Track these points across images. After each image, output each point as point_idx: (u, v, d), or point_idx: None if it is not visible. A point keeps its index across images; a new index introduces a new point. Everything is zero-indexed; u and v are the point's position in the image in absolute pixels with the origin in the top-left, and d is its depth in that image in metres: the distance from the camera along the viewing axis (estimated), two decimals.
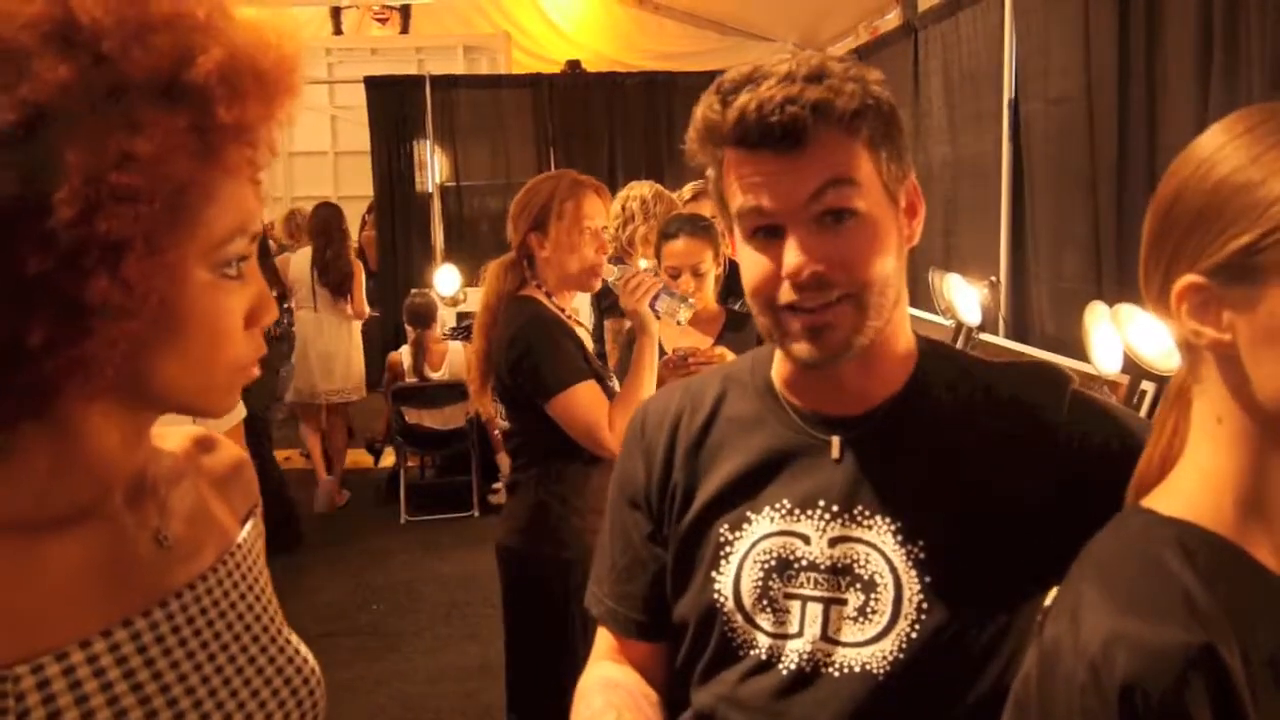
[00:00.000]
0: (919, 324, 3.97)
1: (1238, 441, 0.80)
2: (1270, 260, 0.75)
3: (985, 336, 3.64)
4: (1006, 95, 3.82)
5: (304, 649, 0.92)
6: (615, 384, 2.45)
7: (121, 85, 0.66)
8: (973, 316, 3.63)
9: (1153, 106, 3.09)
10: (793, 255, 0.98)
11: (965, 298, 3.65)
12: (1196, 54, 2.85)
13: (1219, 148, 0.78)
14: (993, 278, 3.80)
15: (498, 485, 5.68)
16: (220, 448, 0.97)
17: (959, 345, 3.65)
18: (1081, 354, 2.82)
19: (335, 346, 5.78)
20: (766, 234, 1.00)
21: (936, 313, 3.94)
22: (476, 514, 5.56)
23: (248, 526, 0.95)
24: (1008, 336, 3.73)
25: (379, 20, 8.53)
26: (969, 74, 4.18)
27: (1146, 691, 0.71)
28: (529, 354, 2.27)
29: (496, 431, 5.41)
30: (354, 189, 7.77)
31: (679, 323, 2.40)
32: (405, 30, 8.58)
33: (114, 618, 0.76)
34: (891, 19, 5.44)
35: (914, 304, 4.23)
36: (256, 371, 0.80)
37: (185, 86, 0.68)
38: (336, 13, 8.35)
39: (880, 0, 5.40)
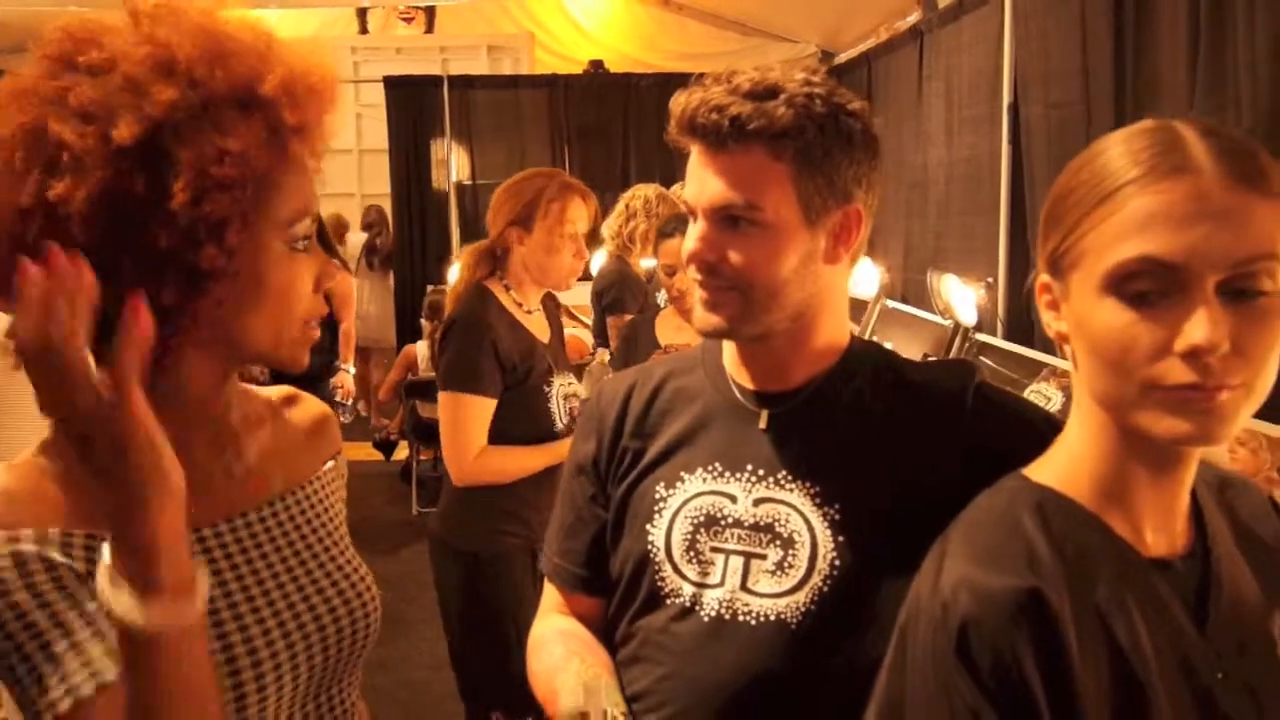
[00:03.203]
0: (919, 324, 4.02)
1: (1087, 423, 0.88)
2: (1068, 262, 0.84)
3: (982, 337, 3.68)
4: (1006, 99, 3.86)
5: (367, 574, 1.12)
6: (580, 389, 2.48)
7: (211, 101, 0.85)
8: (969, 317, 3.67)
9: (1146, 111, 3.12)
10: (689, 242, 1.12)
11: (962, 298, 3.69)
12: (1187, 60, 2.88)
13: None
14: (989, 279, 3.84)
15: None
16: (305, 402, 1.19)
17: (955, 345, 3.69)
18: None
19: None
20: (693, 217, 1.14)
21: (935, 313, 3.98)
22: None
23: (327, 466, 1.16)
24: (1005, 337, 3.76)
25: (404, 20, 8.63)
26: (971, 77, 4.22)
27: (980, 628, 0.80)
28: (449, 342, 2.34)
29: None
30: (377, 187, 7.87)
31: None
32: (430, 30, 8.66)
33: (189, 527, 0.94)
34: (913, 20, 5.46)
35: (915, 304, 4.28)
36: (316, 331, 1.00)
37: (258, 99, 0.88)
38: (362, 13, 8.46)
39: (901, 2, 5.41)
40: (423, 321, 6.02)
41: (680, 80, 1.14)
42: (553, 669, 1.19)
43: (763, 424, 1.17)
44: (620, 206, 4.13)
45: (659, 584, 1.17)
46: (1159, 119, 0.83)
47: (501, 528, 2.33)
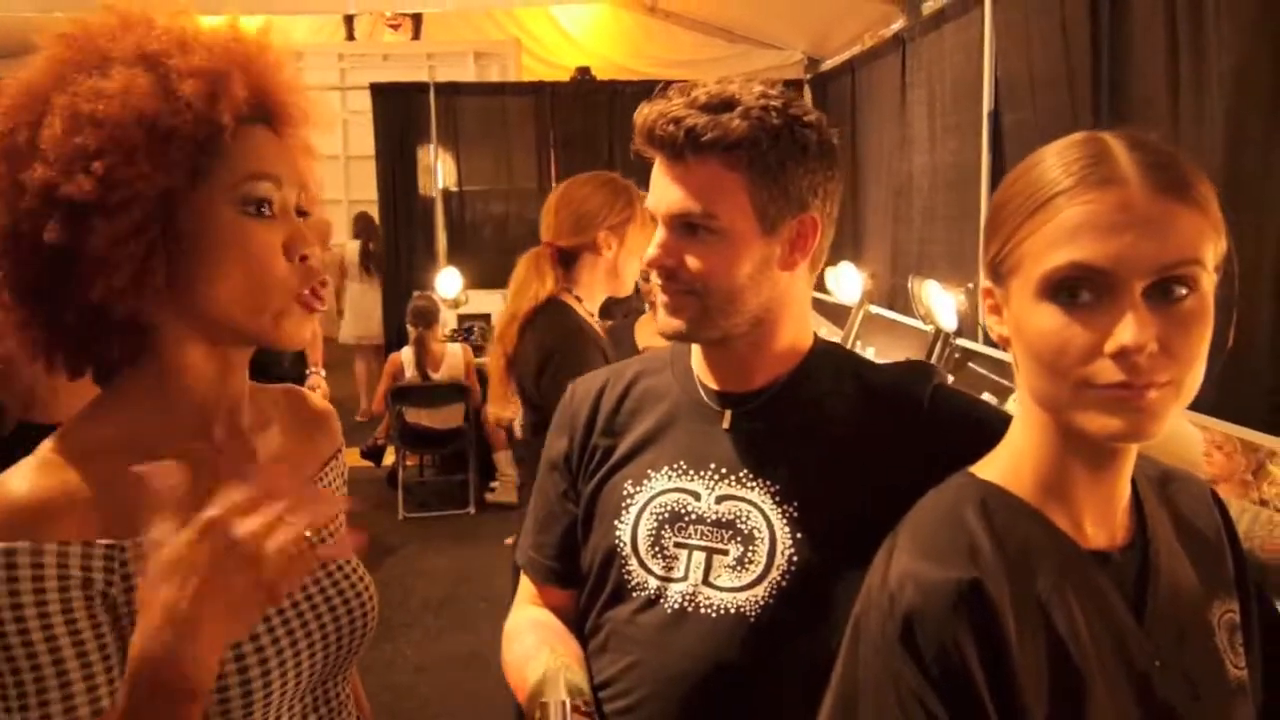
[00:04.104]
0: (902, 329, 4.06)
1: (1028, 421, 0.92)
2: (1006, 269, 0.88)
3: (963, 342, 3.71)
4: (986, 106, 3.90)
5: (365, 574, 1.14)
6: None
7: (108, 59, 0.89)
8: (950, 322, 3.71)
9: (1125, 119, 3.16)
10: (651, 248, 1.16)
11: (943, 304, 3.73)
12: (1165, 68, 2.93)
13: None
14: (969, 284, 3.87)
15: (495, 484, 5.82)
16: (308, 400, 1.20)
17: (936, 350, 3.72)
18: None
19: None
20: (655, 224, 1.18)
21: (917, 318, 4.01)
22: (473, 511, 5.68)
23: (328, 467, 1.19)
24: (985, 342, 3.80)
25: (391, 26, 8.67)
26: (953, 85, 4.27)
27: (923, 618, 0.84)
28: (559, 364, 2.22)
29: (499, 429, 5.57)
30: (364, 193, 7.89)
31: None
32: (417, 36, 8.70)
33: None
34: (897, 28, 5.49)
35: (903, 310, 4.32)
36: (320, 303, 0.98)
37: (147, 55, 0.89)
38: (349, 19, 8.50)
39: (885, 10, 5.46)
40: (408, 328, 6.04)
41: (664, 88, 1.17)
42: (524, 658, 1.24)
43: (726, 424, 1.21)
44: None
45: (626, 577, 1.21)
46: (1091, 131, 0.87)
47: None
